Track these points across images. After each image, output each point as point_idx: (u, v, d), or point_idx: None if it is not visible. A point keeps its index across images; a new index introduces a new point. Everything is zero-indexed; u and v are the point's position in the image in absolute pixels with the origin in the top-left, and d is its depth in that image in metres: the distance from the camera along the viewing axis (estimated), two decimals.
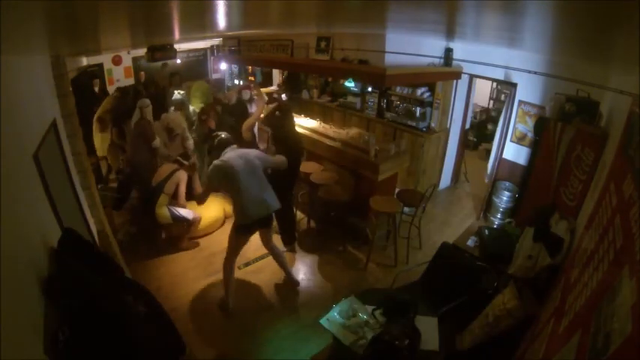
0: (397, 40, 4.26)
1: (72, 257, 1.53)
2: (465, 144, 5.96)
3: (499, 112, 5.76)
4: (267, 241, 3.35)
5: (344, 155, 4.31)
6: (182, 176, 3.88)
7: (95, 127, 4.91)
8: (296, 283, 3.55)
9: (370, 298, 2.56)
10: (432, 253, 3.27)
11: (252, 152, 3.15)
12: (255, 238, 4.30)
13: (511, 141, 4.47)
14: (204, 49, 8.84)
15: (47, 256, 1.55)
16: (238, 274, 3.68)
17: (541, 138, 3.70)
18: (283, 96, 6.78)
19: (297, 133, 4.13)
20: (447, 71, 4.71)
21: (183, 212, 3.85)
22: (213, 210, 4.33)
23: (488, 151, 5.44)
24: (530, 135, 4.19)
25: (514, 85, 4.30)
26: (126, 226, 4.38)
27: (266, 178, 3.13)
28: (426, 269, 3.16)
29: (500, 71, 4.36)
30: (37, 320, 1.25)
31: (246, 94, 5.17)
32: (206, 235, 4.26)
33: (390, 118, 5.47)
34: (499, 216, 4.53)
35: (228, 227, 4.29)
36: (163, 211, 3.73)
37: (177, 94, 4.89)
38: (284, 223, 4.03)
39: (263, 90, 6.47)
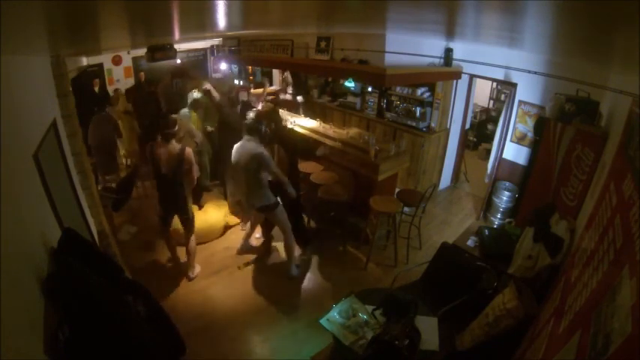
0: (397, 40, 4.25)
1: (72, 257, 1.53)
2: (464, 144, 5.96)
3: (499, 112, 5.76)
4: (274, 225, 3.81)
5: (344, 155, 4.30)
6: (191, 153, 3.32)
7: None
8: (292, 271, 3.68)
9: (370, 298, 2.55)
10: (432, 253, 3.27)
11: (255, 152, 3.20)
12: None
13: (511, 141, 4.47)
14: (204, 49, 8.84)
15: (47, 256, 1.55)
16: (238, 273, 3.68)
17: (541, 138, 3.70)
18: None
19: (290, 132, 4.13)
20: (447, 71, 4.71)
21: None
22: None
23: (489, 151, 5.44)
24: (530, 135, 4.20)
25: (514, 85, 4.30)
26: (126, 226, 4.38)
27: (259, 182, 3.28)
28: (426, 269, 3.16)
29: (500, 71, 4.36)
30: (37, 320, 1.25)
31: (242, 97, 5.16)
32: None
33: (390, 118, 5.48)
34: (499, 216, 4.53)
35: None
36: (190, 206, 3.42)
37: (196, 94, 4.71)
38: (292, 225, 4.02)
39: (260, 90, 6.44)
